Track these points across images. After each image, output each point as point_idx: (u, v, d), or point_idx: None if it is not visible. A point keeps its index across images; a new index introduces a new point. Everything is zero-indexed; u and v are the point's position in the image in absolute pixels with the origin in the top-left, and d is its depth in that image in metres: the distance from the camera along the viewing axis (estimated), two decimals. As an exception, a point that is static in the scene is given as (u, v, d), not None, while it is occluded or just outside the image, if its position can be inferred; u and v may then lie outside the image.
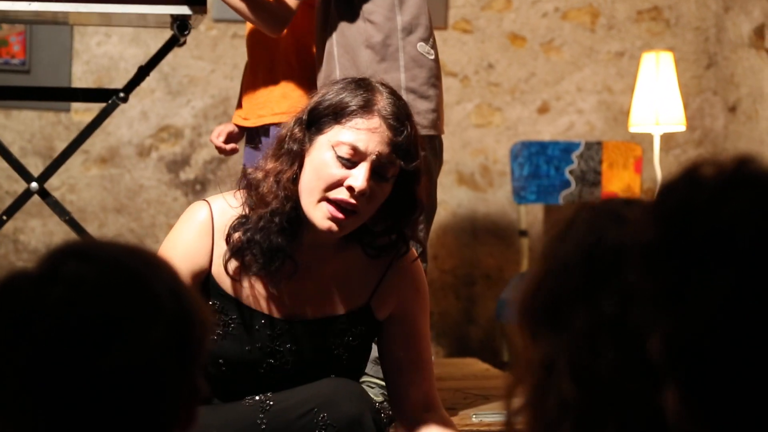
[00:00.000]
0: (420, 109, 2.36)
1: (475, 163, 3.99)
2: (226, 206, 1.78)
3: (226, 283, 1.78)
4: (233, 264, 1.76)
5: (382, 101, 1.73)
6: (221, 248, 1.76)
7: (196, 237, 1.77)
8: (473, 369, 3.15)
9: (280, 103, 2.51)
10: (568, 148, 3.87)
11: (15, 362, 0.93)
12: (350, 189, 1.70)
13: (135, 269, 0.99)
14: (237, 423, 1.76)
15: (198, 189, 3.83)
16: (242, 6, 2.40)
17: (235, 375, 1.79)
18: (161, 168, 3.82)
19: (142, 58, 3.76)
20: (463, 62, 3.97)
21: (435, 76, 2.40)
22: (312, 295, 1.81)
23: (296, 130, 1.74)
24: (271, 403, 1.77)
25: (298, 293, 1.80)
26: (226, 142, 2.68)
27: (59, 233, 3.72)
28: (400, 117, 1.72)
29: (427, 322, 1.88)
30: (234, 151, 2.69)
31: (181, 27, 2.46)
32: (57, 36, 3.69)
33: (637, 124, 3.69)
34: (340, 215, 1.71)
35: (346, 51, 2.39)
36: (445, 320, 3.93)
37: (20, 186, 3.69)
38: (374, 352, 2.34)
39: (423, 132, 2.35)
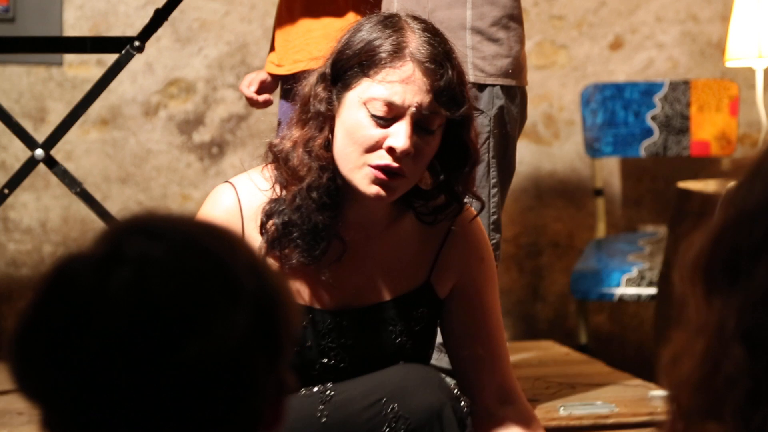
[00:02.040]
0: (486, 54, 2.35)
1: (537, 112, 3.98)
2: (254, 188, 1.79)
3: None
4: (271, 257, 1.77)
5: (415, 41, 1.72)
6: (254, 239, 1.77)
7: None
8: (551, 353, 3.17)
9: (320, 45, 2.50)
10: (648, 89, 3.85)
11: (77, 361, 0.93)
12: (391, 150, 1.71)
13: (211, 246, 0.99)
14: (293, 415, 1.78)
15: (215, 152, 3.84)
16: None
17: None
18: (171, 129, 3.82)
19: (145, 1, 3.77)
20: (520, -8, 3.94)
21: (509, 17, 2.39)
22: (363, 278, 1.82)
23: (320, 88, 1.75)
24: (332, 393, 1.79)
25: (348, 278, 1.81)
26: (259, 92, 2.68)
27: (56, 209, 3.74)
28: (437, 58, 1.72)
29: (496, 296, 1.89)
30: (268, 103, 2.70)
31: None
32: (44, -23, 3.69)
33: (734, 58, 3.65)
34: (385, 178, 1.72)
35: (407, -22, 2.38)
36: (508, 297, 3.94)
37: (8, 155, 3.72)
38: (438, 337, 2.35)
39: (488, 81, 2.35)
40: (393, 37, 1.72)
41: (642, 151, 3.86)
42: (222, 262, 0.98)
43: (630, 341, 4.00)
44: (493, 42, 2.37)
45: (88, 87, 3.59)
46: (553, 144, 4.00)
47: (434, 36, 1.75)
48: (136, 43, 2.60)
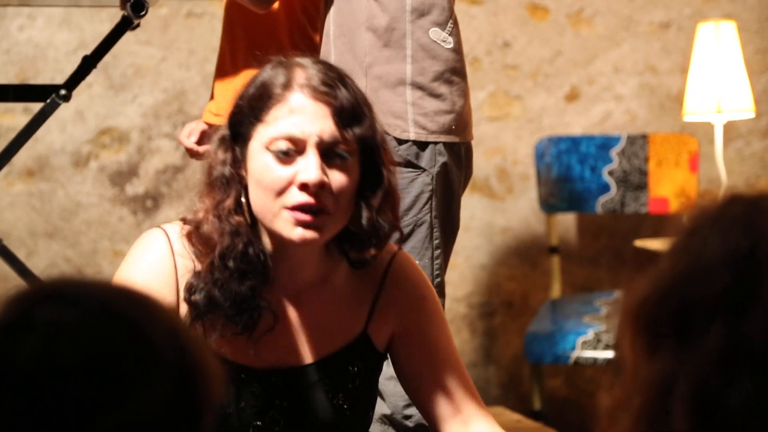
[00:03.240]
0: (427, 110, 2.37)
1: (490, 165, 4.00)
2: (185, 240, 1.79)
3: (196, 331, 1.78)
4: (198, 325, 1.77)
5: (303, 72, 1.74)
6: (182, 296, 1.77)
7: (156, 275, 1.77)
8: (501, 420, 3.14)
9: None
10: (605, 143, 3.88)
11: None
12: (304, 186, 1.70)
13: (127, 313, 0.98)
14: None
15: (150, 206, 3.82)
16: None
17: None
18: (103, 181, 3.81)
19: (75, 45, 3.77)
20: (472, 40, 3.98)
21: (452, 71, 2.41)
22: (296, 339, 1.82)
23: (220, 151, 1.76)
24: None
25: (280, 339, 1.80)
26: (199, 143, 2.69)
27: (-22, 265, 3.70)
28: (328, 81, 1.73)
29: (445, 330, 1.88)
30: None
31: (135, 6, 2.47)
32: (-32, 20, 3.68)
33: (693, 112, 3.70)
34: (306, 217, 1.71)
35: (343, 32, 2.39)
36: (458, 360, 3.93)
37: (-73, 207, 3.69)
38: (380, 407, 2.34)
39: (430, 138, 2.37)
40: (281, 75, 1.74)
41: (599, 207, 3.89)
42: (139, 330, 0.97)
43: (586, 407, 4.00)
44: (434, 98, 2.38)
45: (13, 136, 3.58)
46: (506, 199, 4.03)
47: (324, 64, 1.77)
48: (63, 92, 2.59)
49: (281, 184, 1.71)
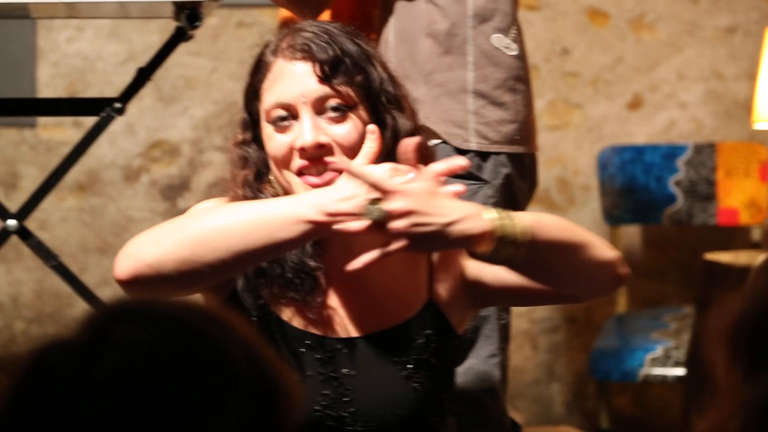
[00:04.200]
0: (489, 119, 2.35)
1: (550, 176, 3.98)
2: None
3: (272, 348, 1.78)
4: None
5: (292, 38, 1.76)
6: None
7: None
8: (568, 441, 3.13)
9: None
10: (671, 152, 3.86)
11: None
12: (302, 150, 1.73)
13: (203, 331, 0.99)
14: None
15: (201, 220, 3.84)
16: None
17: None
18: (154, 195, 3.83)
19: (124, 57, 3.79)
20: (529, 47, 3.92)
21: (515, 78, 2.39)
22: (363, 306, 1.82)
23: (238, 134, 1.82)
24: None
25: (346, 306, 1.82)
26: None
27: (29, 282, 3.73)
28: (313, 39, 1.75)
29: None
30: None
31: (191, 17, 2.48)
32: (15, 32, 3.72)
33: (763, 119, 3.66)
34: (316, 180, 1.73)
35: (403, 39, 2.39)
36: (520, 377, 3.91)
37: (-24, 224, 3.72)
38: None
39: (492, 148, 2.35)
40: (271, 44, 1.78)
41: (665, 218, 3.86)
42: (215, 347, 0.98)
43: (655, 426, 3.97)
44: (497, 106, 2.36)
45: (63, 150, 3.61)
46: (568, 210, 4.00)
47: (321, 25, 1.79)
48: (117, 105, 2.61)
49: (284, 151, 1.74)
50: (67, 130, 3.75)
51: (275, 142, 1.75)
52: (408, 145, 1.73)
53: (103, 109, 2.62)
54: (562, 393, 3.96)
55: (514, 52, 2.40)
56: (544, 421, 3.87)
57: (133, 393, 0.93)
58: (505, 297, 1.88)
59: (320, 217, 1.66)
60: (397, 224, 1.65)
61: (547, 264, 1.75)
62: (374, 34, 2.49)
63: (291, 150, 1.74)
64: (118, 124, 3.71)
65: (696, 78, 4.04)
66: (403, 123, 1.78)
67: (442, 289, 1.84)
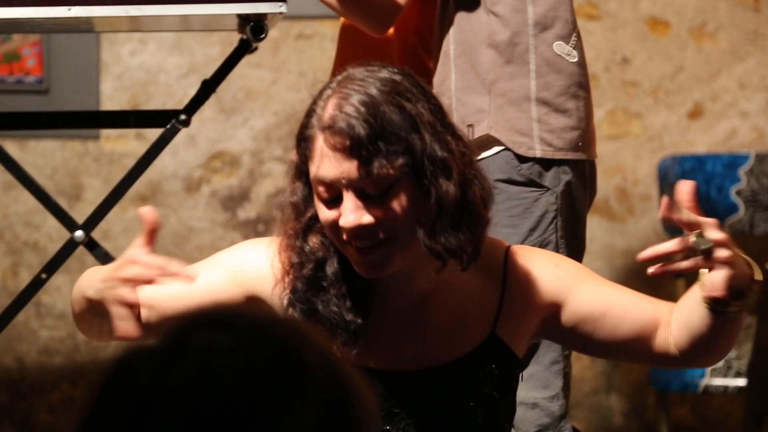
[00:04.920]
0: (554, 126, 2.37)
1: (609, 186, 3.99)
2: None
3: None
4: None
5: (330, 108, 1.71)
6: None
7: (250, 267, 1.82)
8: (629, 451, 3.14)
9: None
10: (733, 162, 3.84)
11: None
12: (349, 232, 1.71)
13: (280, 338, 1.01)
14: None
15: (261, 230, 3.88)
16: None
17: None
18: (214, 205, 3.87)
19: (186, 69, 3.85)
20: (589, 57, 3.95)
21: (577, 85, 2.41)
22: (424, 340, 1.82)
23: (289, 180, 1.79)
24: None
25: (404, 341, 1.82)
26: None
27: (91, 292, 3.78)
28: (360, 115, 1.69)
29: (591, 274, 1.89)
30: None
31: (255, 29, 2.51)
32: (80, 46, 3.77)
33: (825, 129, 3.66)
34: (368, 257, 1.73)
35: (464, 51, 2.41)
36: (579, 387, 3.91)
37: (41, 235, 3.78)
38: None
39: (557, 155, 2.37)
40: (318, 108, 1.73)
41: (726, 228, 3.84)
42: (292, 355, 1.00)
43: (716, 438, 3.96)
44: (561, 113, 2.38)
45: (126, 161, 3.66)
46: (627, 220, 4.01)
47: (352, 92, 1.71)
48: (182, 117, 2.65)
49: (333, 225, 1.73)
50: (129, 142, 3.80)
51: (323, 213, 1.74)
52: (684, 191, 1.78)
53: (168, 121, 2.66)
54: (620, 403, 3.96)
55: (575, 59, 2.42)
56: (603, 432, 3.87)
57: (211, 398, 0.95)
58: (598, 346, 1.89)
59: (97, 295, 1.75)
60: (722, 252, 1.73)
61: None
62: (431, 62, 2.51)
63: (337, 225, 1.72)
64: (179, 136, 3.74)
65: (757, 87, 4.03)
66: (448, 190, 1.73)
67: (511, 320, 1.84)
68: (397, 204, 1.72)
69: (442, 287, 1.81)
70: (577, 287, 1.84)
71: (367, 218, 1.71)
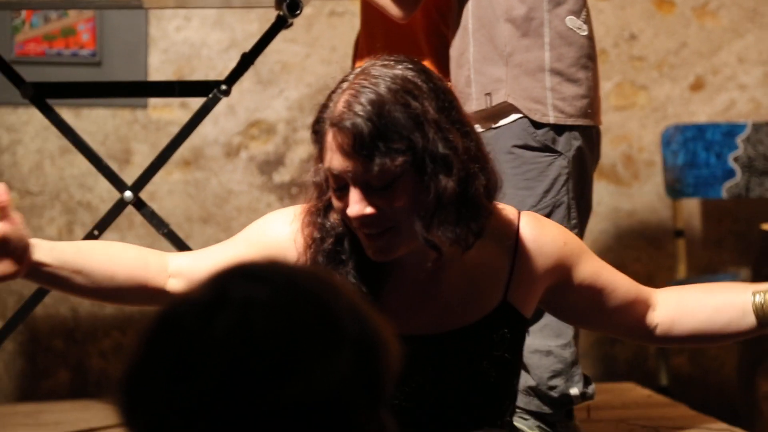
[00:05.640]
0: (566, 95, 2.36)
1: (616, 153, 3.97)
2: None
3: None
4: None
5: (340, 103, 1.69)
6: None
7: (276, 238, 1.81)
8: (632, 395, 3.14)
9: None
10: (731, 131, 3.82)
11: (182, 401, 0.96)
12: (355, 220, 1.71)
13: (313, 289, 1.01)
14: None
15: (294, 193, 3.88)
16: None
17: None
18: (252, 170, 3.87)
19: (227, 44, 3.84)
20: (599, 33, 3.95)
21: (587, 56, 2.40)
22: (440, 307, 1.82)
23: (313, 159, 1.77)
24: None
25: (420, 305, 1.82)
26: None
27: (140, 248, 3.80)
28: (366, 114, 1.67)
29: (593, 256, 1.89)
30: None
31: (291, 6, 2.50)
32: (130, 22, 3.77)
33: (817, 100, 3.63)
34: (375, 242, 1.72)
35: (482, 24, 2.40)
36: (586, 338, 3.91)
37: (94, 196, 3.79)
38: (524, 379, 2.35)
39: (569, 122, 2.36)
40: (331, 103, 1.72)
41: (724, 192, 3.83)
42: (324, 305, 1.00)
43: (711, 383, 3.95)
44: (572, 83, 2.38)
45: (171, 129, 3.66)
46: (632, 185, 3.99)
47: (363, 89, 1.69)
48: (223, 87, 2.65)
49: (343, 213, 1.73)
50: (174, 111, 3.81)
51: (334, 201, 1.74)
52: None
53: (210, 91, 2.66)
54: (624, 353, 3.96)
55: (585, 33, 2.41)
56: (607, 379, 3.87)
57: (250, 346, 0.95)
58: (585, 316, 1.92)
59: None
60: None
61: None
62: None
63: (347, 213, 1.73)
64: (220, 106, 3.74)
65: (755, 61, 4.00)
66: (447, 186, 1.70)
67: (521, 288, 1.84)
68: (400, 197, 1.70)
69: (456, 257, 1.80)
70: (579, 265, 1.86)
71: (369, 209, 1.70)
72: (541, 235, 1.85)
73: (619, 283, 1.89)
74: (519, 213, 1.86)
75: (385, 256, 1.73)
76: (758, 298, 1.83)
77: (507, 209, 1.85)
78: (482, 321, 1.82)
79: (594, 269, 1.87)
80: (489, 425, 1.84)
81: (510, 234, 1.84)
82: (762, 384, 0.84)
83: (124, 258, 1.82)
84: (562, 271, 1.85)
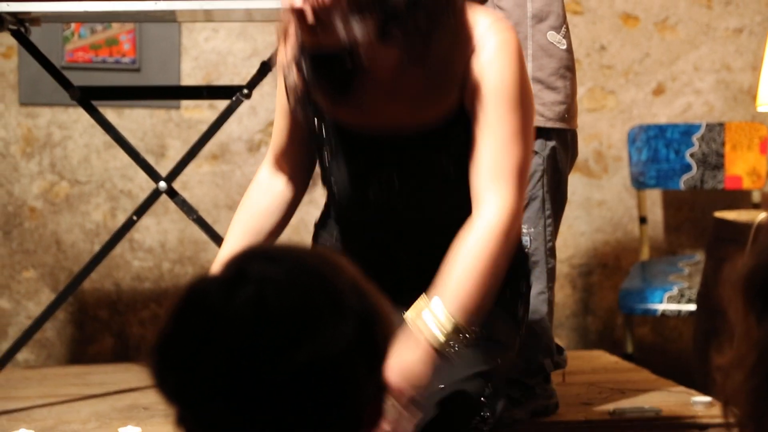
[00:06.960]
0: (546, 101, 2.35)
1: (588, 149, 3.95)
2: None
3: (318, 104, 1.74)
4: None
5: None
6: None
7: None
8: (601, 362, 3.13)
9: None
10: (688, 130, 3.81)
11: (208, 365, 0.96)
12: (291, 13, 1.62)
13: (319, 268, 1.02)
14: None
15: (308, 184, 3.86)
16: None
17: (349, 202, 1.78)
18: (271, 163, 3.86)
19: (250, 53, 3.82)
20: (574, 45, 3.91)
21: (565, 67, 2.38)
22: (403, 105, 1.73)
23: None
24: None
25: (389, 103, 1.73)
26: None
27: (173, 231, 3.79)
28: None
29: (504, 112, 1.69)
30: None
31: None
32: (165, 33, 3.75)
33: (764, 103, 3.61)
34: (299, 21, 1.61)
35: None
36: (562, 311, 3.91)
37: (134, 185, 3.78)
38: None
39: (548, 124, 2.35)
40: None
41: (681, 184, 3.82)
42: (329, 282, 1.00)
43: (671, 351, 3.94)
44: (551, 90, 2.36)
45: (201, 127, 3.65)
46: (602, 177, 3.98)
47: None
48: (245, 91, 2.64)
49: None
50: (204, 111, 3.79)
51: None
52: None
53: (234, 94, 2.65)
54: (595, 324, 3.95)
55: (564, 46, 2.39)
56: (580, 347, 3.86)
57: (265, 316, 0.96)
58: None
59: None
60: None
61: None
62: None
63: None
64: (243, 107, 3.74)
65: (709, 70, 3.98)
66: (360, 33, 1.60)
67: (470, 90, 1.72)
68: None
69: (422, 60, 1.67)
70: (489, 105, 1.70)
71: (298, 2, 1.60)
72: (497, 56, 1.70)
73: (485, 155, 1.70)
74: (491, 25, 1.73)
75: (313, 37, 1.61)
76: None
77: (484, 10, 1.76)
78: (441, 121, 1.73)
79: (487, 123, 1.69)
80: (450, 224, 1.69)
81: (472, 38, 1.71)
82: (715, 357, 0.83)
83: (269, 215, 1.91)
84: (477, 97, 1.71)
